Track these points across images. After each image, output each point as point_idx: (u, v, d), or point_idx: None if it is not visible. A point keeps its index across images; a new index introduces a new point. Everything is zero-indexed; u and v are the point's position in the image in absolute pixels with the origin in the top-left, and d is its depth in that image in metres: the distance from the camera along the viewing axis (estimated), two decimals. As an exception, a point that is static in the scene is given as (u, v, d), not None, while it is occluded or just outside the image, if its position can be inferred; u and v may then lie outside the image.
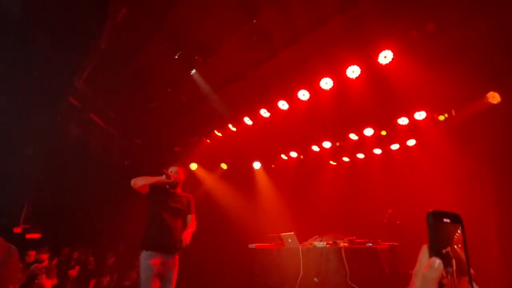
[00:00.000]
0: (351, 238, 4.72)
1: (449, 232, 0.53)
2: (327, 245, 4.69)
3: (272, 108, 5.61)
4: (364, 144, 6.61)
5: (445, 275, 0.50)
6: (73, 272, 6.47)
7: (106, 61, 4.79)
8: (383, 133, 6.03)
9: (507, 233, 4.72)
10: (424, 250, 0.54)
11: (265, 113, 5.72)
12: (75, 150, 6.51)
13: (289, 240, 5.20)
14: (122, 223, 7.60)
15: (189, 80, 4.94)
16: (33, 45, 3.77)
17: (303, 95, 5.08)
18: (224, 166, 7.93)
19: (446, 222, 0.53)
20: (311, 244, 4.99)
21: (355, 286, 4.15)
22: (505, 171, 4.91)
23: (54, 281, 5.77)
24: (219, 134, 6.47)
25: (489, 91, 4.69)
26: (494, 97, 4.80)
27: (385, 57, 4.24)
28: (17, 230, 7.17)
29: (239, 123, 6.09)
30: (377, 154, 6.94)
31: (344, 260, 4.31)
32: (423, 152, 6.23)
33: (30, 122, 5.58)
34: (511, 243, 4.60)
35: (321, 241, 4.90)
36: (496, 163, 5.13)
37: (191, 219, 3.34)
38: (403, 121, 5.81)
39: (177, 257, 3.15)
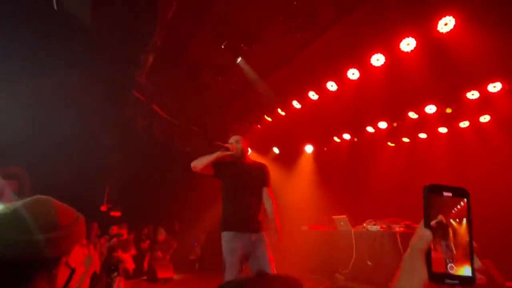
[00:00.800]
0: (408, 222, 4.49)
1: (447, 206, 0.53)
2: (381, 229, 4.55)
3: (321, 90, 5.48)
4: (426, 122, 6.05)
5: (432, 247, 0.50)
6: (145, 245, 7.35)
7: (162, 56, 5.21)
8: (448, 110, 5.44)
9: None
10: (420, 225, 0.54)
11: (313, 95, 5.62)
12: (143, 139, 7.30)
13: (342, 223, 5.16)
14: (185, 205, 8.37)
15: (237, 68, 5.10)
16: (100, 46, 4.31)
17: (353, 74, 4.85)
18: (276, 150, 8.05)
19: (446, 196, 0.53)
20: (364, 227, 4.88)
21: (412, 272, 3.98)
22: None
23: (133, 252, 6.65)
24: (269, 119, 6.57)
25: None
26: None
27: (446, 24, 3.79)
28: (103, 208, 8.45)
29: (288, 107, 6.10)
30: (442, 133, 6.30)
31: (400, 244, 4.14)
32: (499, 129, 5.47)
33: (104, 115, 6.42)
34: None
35: (375, 225, 4.76)
36: None
37: (267, 192, 2.86)
38: (472, 95, 5.15)
39: (263, 234, 2.73)
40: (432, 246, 0.50)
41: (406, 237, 4.09)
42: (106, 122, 6.84)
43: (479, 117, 5.74)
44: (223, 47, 4.57)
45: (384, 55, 4.39)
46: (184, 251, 8.65)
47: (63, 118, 5.47)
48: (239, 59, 4.74)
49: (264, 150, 7.93)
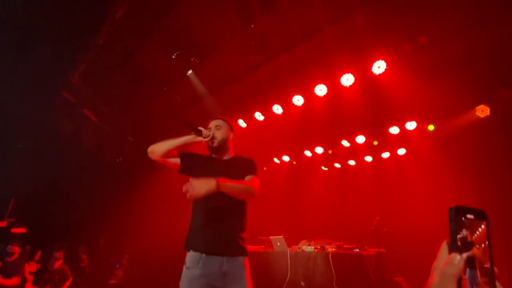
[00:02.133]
0: (339, 243, 4.79)
1: (470, 229, 0.50)
2: (315, 250, 4.75)
3: (267, 112, 5.67)
4: (356, 151, 6.71)
5: (464, 272, 0.48)
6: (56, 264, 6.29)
7: (103, 57, 4.80)
8: (375, 143, 6.14)
9: (495, 242, 4.83)
10: (444, 246, 0.51)
11: (259, 116, 5.78)
12: (67, 145, 6.47)
13: (278, 244, 5.24)
14: (111, 220, 7.55)
15: (185, 81, 4.97)
16: (31, 36, 3.77)
17: (298, 100, 5.16)
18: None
19: (468, 218, 0.51)
20: (299, 248, 5.03)
21: (341, 291, 4.20)
22: (491, 182, 5.04)
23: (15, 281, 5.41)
24: (213, 135, 6.49)
25: (478, 103, 4.84)
26: (483, 111, 4.95)
27: (379, 67, 4.35)
28: (1, 224, 7.07)
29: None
30: (368, 162, 7.05)
31: (331, 265, 4.37)
32: (412, 161, 6.36)
33: (22, 115, 5.53)
34: (499, 251, 4.72)
35: (309, 245, 4.96)
36: (483, 174, 5.27)
37: (250, 181, 2.06)
38: (394, 130, 5.92)
39: (242, 259, 1.97)
40: (464, 271, 0.48)
41: (338, 257, 4.34)
42: (23, 122, 5.89)
43: (397, 150, 6.60)
44: (174, 57, 4.44)
45: (326, 86, 4.78)
46: (103, 273, 7.71)
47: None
48: (189, 72, 4.64)
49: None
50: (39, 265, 5.84)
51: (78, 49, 4.50)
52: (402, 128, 5.81)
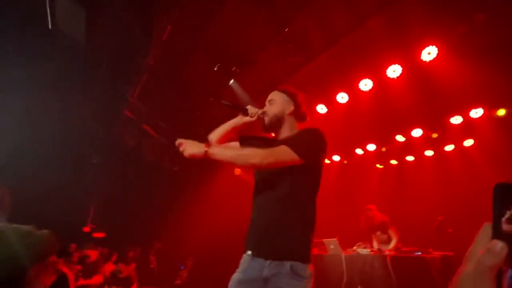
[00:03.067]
0: (398, 245, 4.48)
1: None
2: (372, 253, 4.52)
3: (311, 113, 5.59)
4: (413, 146, 6.21)
5: (507, 264, 0.39)
6: (130, 268, 6.96)
7: (155, 76, 5.27)
8: (434, 135, 5.62)
9: None
10: (485, 230, 0.42)
11: (304, 118, 5.73)
12: (132, 158, 7.20)
13: (332, 246, 5.10)
14: (174, 223, 8.17)
15: (229, 90, 5.18)
16: (93, 64, 4.33)
17: (342, 97, 5.00)
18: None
19: None
20: (354, 251, 4.84)
21: (403, 296, 3.93)
22: None
23: (106, 273, 6.09)
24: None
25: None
26: None
27: (429, 53, 4.00)
28: (86, 229, 8.12)
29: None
30: (428, 156, 6.47)
31: (390, 268, 4.11)
32: (481, 152, 5.66)
33: (94, 134, 6.34)
34: None
35: (365, 248, 4.73)
36: None
37: (265, 150, 1.56)
38: (456, 120, 5.35)
39: (291, 265, 1.48)
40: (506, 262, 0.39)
41: (397, 260, 4.07)
42: (95, 141, 6.75)
43: (463, 141, 5.94)
44: (216, 69, 4.67)
45: (372, 80, 4.55)
46: (169, 274, 8.33)
47: (51, 135, 5.37)
48: (231, 81, 4.83)
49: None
50: (115, 266, 6.55)
51: (133, 71, 5.01)
52: (466, 116, 5.23)
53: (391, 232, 4.78)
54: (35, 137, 5.26)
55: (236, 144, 1.93)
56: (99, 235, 8.06)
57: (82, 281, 5.26)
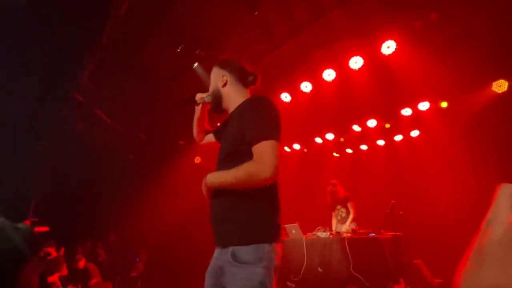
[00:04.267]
0: (354, 228, 4.77)
1: None
2: (331, 236, 4.75)
3: (275, 101, 5.59)
4: (368, 135, 6.61)
5: None
6: (80, 264, 6.54)
7: (109, 57, 4.83)
8: (387, 126, 6.03)
9: None
10: (506, 190, 0.39)
11: (268, 105, 5.73)
12: (81, 145, 6.61)
13: (293, 231, 5.27)
14: (127, 215, 7.75)
15: (192, 74, 4.96)
16: (37, 40, 3.81)
17: (306, 87, 5.09)
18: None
19: None
20: (314, 234, 5.05)
21: (358, 276, 4.21)
22: (510, 160, 4.89)
23: (64, 273, 5.85)
24: (222, 127, 6.51)
25: (494, 80, 4.66)
26: (500, 86, 4.77)
27: (388, 47, 4.22)
28: (26, 223, 7.35)
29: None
30: (380, 146, 6.94)
31: (348, 250, 4.37)
32: (426, 142, 6.23)
33: (37, 118, 5.67)
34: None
35: (324, 231, 4.96)
36: (501, 152, 5.12)
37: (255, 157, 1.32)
38: (406, 112, 5.79)
39: (234, 251, 1.32)
40: None
41: (354, 242, 4.34)
42: (38, 126, 6.04)
43: (410, 132, 6.46)
44: (178, 50, 4.42)
45: (335, 70, 4.69)
46: (124, 267, 7.96)
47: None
48: (195, 64, 4.62)
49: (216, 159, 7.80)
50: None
51: (85, 50, 4.54)
52: (415, 109, 5.68)
53: (350, 206, 5.12)
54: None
55: (211, 135, 1.80)
56: (42, 229, 7.34)
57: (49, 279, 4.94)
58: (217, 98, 1.58)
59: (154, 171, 7.54)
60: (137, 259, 8.23)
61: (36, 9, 3.34)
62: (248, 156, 1.33)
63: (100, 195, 7.65)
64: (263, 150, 1.30)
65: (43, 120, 5.86)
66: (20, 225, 0.85)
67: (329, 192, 5.41)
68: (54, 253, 5.90)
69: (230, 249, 1.32)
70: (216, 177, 1.37)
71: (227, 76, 1.60)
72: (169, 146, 7.58)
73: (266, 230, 1.34)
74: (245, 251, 1.28)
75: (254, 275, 1.24)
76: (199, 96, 1.66)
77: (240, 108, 1.51)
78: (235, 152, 1.40)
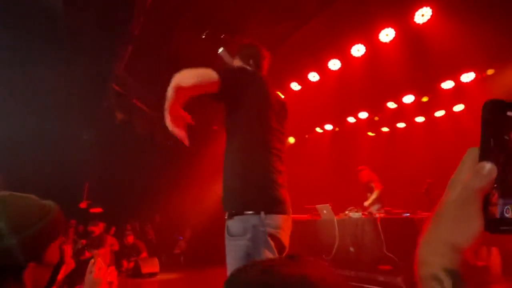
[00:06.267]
0: (388, 208, 4.64)
1: (508, 129, 0.37)
2: (363, 216, 4.68)
3: (303, 81, 5.52)
4: (405, 112, 6.24)
5: (495, 188, 0.36)
6: (129, 239, 7.16)
7: (141, 47, 5.06)
8: (425, 99, 5.64)
9: None
10: (471, 153, 0.39)
11: (295, 86, 5.65)
12: (123, 134, 7.12)
13: (324, 211, 5.27)
14: (170, 199, 8.28)
15: (219, 59, 5.03)
16: (76, 38, 4.12)
17: (334, 64, 4.92)
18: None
19: (509, 116, 0.38)
20: (346, 215, 5.01)
21: (392, 256, 4.14)
22: None
23: (115, 248, 6.41)
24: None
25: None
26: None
27: (423, 15, 3.90)
28: (82, 205, 8.20)
29: (271, 98, 6.11)
30: (419, 123, 6.54)
31: (380, 230, 4.28)
32: (472, 117, 5.72)
33: (82, 110, 6.20)
34: None
35: (356, 212, 4.89)
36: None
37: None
38: (447, 84, 5.35)
39: (227, 218, 1.41)
40: (494, 186, 0.36)
41: (387, 222, 4.24)
42: (84, 117, 6.61)
43: (453, 107, 5.98)
44: (203, 36, 4.50)
45: (364, 45, 4.46)
46: (168, 244, 8.60)
47: (40, 113, 5.23)
48: (220, 49, 4.68)
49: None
50: (114, 239, 6.73)
51: (119, 42, 4.80)
52: (457, 81, 5.23)
53: (373, 185, 5.06)
54: (22, 116, 5.12)
55: None
56: (96, 210, 8.17)
57: (88, 254, 5.47)
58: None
59: (191, 156, 7.90)
60: (180, 238, 8.85)
61: (72, 8, 3.60)
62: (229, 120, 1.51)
63: (145, 180, 8.25)
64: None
65: (88, 112, 6.40)
66: (48, 205, 0.86)
67: (358, 177, 5.33)
68: (97, 231, 6.37)
69: (226, 224, 1.39)
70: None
71: (235, 57, 1.77)
72: (203, 131, 7.86)
73: (250, 202, 1.34)
74: (233, 224, 1.34)
75: (240, 247, 1.28)
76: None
77: None
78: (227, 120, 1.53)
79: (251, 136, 1.45)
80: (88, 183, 8.26)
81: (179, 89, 1.34)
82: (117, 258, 6.43)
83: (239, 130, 1.47)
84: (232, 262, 1.28)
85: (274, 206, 1.37)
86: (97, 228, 6.14)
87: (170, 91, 1.34)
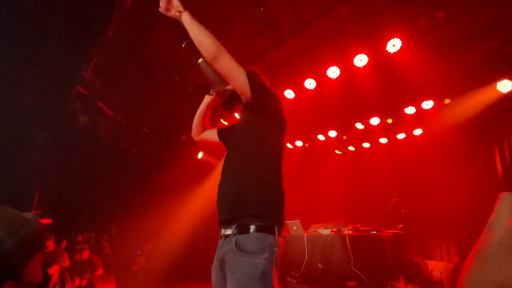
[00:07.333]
0: (356, 226, 4.79)
1: None
2: (332, 233, 4.78)
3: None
4: (370, 133, 6.60)
5: None
6: (84, 255, 6.57)
7: (113, 50, 4.82)
8: (389, 121, 6.02)
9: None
10: (507, 198, 0.40)
11: (271, 102, 5.72)
12: (84, 138, 6.63)
13: (294, 227, 5.30)
14: (128, 210, 7.81)
15: (196, 69, 4.95)
16: (43, 33, 3.82)
17: (310, 84, 5.07)
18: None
19: None
20: (315, 231, 5.08)
21: (359, 272, 4.24)
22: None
23: (66, 264, 5.87)
24: (225, 123, 6.51)
25: (500, 78, 4.64)
26: (505, 86, 4.74)
27: (394, 45, 4.19)
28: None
29: (245, 112, 6.11)
30: (382, 144, 6.93)
31: (349, 247, 4.39)
32: (429, 141, 6.21)
33: (40, 110, 5.68)
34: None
35: (325, 228, 4.99)
36: (503, 152, 5.11)
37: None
38: (410, 110, 5.77)
39: (237, 238, 1.29)
40: None
41: (355, 239, 4.36)
42: (41, 118, 6.06)
43: (413, 130, 6.44)
44: (183, 46, 4.40)
45: (339, 68, 4.67)
46: (126, 259, 8.04)
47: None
48: (200, 60, 4.60)
49: (219, 154, 7.82)
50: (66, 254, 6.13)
51: (90, 43, 4.53)
52: (418, 107, 5.66)
53: None
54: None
55: (213, 131, 1.86)
56: (45, 221, 7.40)
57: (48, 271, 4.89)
58: (235, 99, 1.62)
59: (156, 165, 7.58)
60: (139, 253, 8.31)
61: (42, 4, 3.33)
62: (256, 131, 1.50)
63: (103, 188, 7.69)
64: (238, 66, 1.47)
65: (46, 113, 5.89)
66: (27, 215, 0.80)
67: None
68: (52, 246, 5.85)
69: (234, 238, 1.29)
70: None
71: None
72: (171, 141, 7.61)
73: (271, 222, 1.33)
74: (249, 241, 1.27)
75: (257, 265, 1.22)
76: (216, 89, 1.69)
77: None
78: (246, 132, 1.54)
79: (276, 153, 1.48)
80: (39, 190, 7.51)
81: (218, 55, 1.38)
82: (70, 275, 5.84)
83: (266, 142, 1.46)
84: (247, 281, 1.19)
85: (283, 227, 1.39)
86: (50, 242, 5.58)
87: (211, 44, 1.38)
